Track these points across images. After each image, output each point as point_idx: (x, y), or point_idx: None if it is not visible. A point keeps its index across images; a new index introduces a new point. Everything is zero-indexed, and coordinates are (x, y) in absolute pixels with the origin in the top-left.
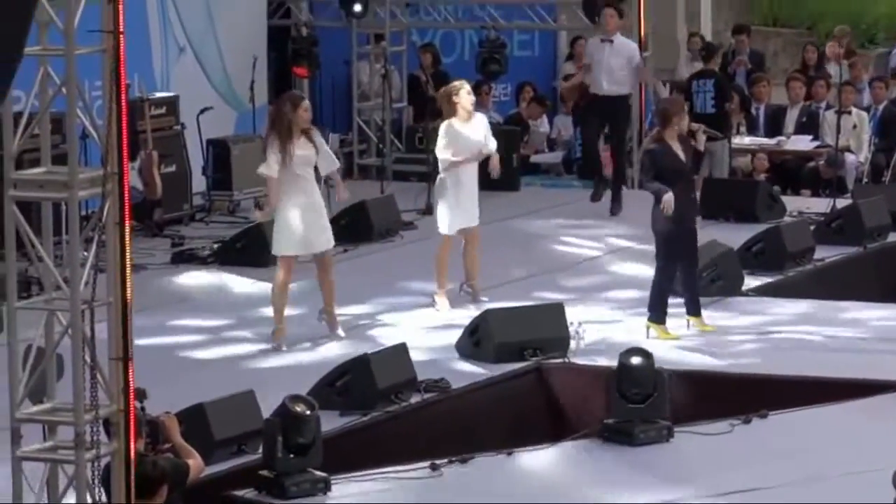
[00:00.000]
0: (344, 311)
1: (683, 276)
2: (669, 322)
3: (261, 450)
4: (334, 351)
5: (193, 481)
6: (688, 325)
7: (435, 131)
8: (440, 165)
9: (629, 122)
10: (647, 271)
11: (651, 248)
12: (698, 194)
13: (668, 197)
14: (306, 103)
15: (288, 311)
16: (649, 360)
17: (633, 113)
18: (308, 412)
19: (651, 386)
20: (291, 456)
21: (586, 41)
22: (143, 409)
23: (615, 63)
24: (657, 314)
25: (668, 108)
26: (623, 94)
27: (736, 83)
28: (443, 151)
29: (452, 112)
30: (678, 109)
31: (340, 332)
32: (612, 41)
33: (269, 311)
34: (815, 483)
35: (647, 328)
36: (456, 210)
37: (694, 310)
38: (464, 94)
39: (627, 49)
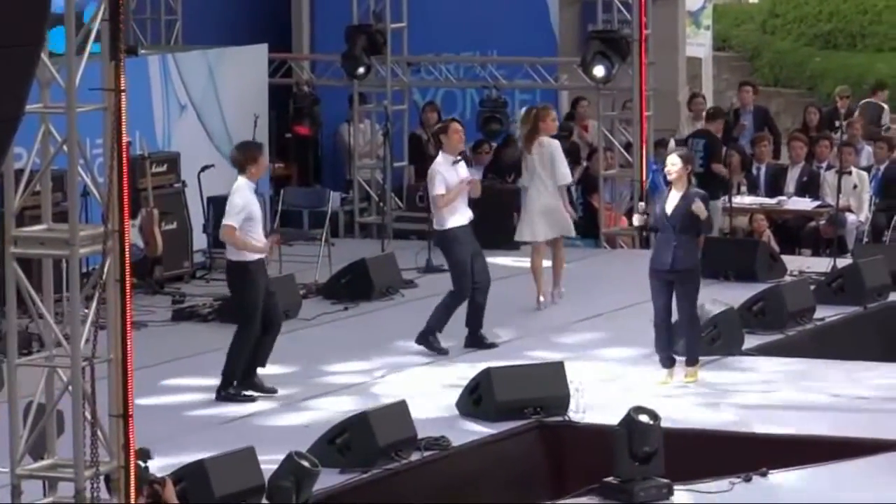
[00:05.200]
0: (343, 369)
1: (679, 322)
2: (651, 373)
3: None
4: (334, 408)
5: None
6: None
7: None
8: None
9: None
10: (647, 329)
11: (648, 306)
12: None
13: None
14: None
15: (283, 370)
16: (656, 419)
17: None
18: (313, 468)
19: (656, 444)
20: None
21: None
22: (146, 468)
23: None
24: (659, 357)
25: (691, 158)
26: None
27: (738, 143)
28: None
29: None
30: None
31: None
32: (459, 160)
33: (267, 369)
34: None
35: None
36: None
37: (686, 358)
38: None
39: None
